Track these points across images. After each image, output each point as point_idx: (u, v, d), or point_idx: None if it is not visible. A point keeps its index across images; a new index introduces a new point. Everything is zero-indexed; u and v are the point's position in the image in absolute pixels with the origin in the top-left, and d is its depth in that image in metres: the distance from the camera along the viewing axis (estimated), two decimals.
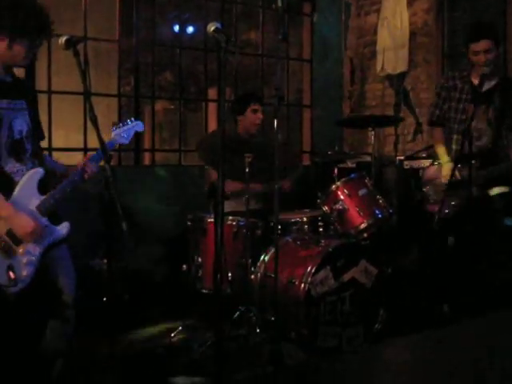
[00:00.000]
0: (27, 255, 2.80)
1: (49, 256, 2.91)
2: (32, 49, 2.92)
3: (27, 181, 2.86)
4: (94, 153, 3.02)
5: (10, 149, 2.85)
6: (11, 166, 2.85)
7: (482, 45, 4.10)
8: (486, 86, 4.15)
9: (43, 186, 2.91)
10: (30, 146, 2.94)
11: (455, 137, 4.33)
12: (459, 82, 4.34)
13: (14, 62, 2.92)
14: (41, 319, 3.00)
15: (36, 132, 3.04)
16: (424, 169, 4.57)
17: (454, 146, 4.33)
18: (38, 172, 2.91)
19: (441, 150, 4.39)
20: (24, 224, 2.78)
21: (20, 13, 2.81)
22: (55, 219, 2.94)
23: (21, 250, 2.80)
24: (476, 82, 4.16)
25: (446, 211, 4.08)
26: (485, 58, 4.10)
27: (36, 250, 2.84)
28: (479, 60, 4.12)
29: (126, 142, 3.22)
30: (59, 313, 3.00)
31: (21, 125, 2.90)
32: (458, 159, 3.93)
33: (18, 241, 2.80)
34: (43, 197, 2.88)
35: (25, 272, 2.78)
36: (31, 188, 2.86)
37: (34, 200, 2.86)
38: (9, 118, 2.85)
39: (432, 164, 4.48)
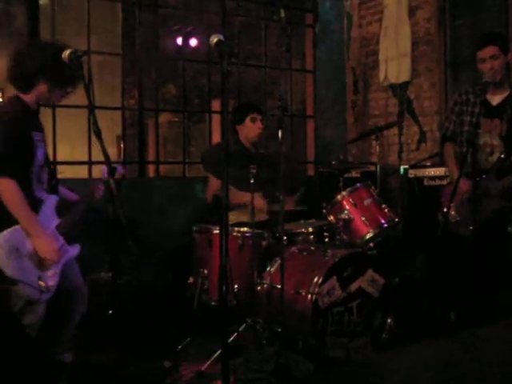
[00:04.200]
0: (53, 268, 3.14)
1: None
2: (64, 95, 3.21)
3: (48, 204, 3.19)
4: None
5: (37, 176, 3.12)
6: (38, 192, 3.13)
7: (488, 51, 4.06)
8: (497, 100, 4.14)
9: (58, 210, 3.26)
10: (46, 174, 3.22)
11: (470, 150, 4.24)
12: (472, 96, 4.27)
13: (47, 103, 3.27)
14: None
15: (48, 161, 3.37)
16: (443, 188, 4.53)
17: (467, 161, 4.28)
18: (55, 198, 3.24)
19: (453, 167, 4.32)
20: (50, 246, 3.09)
21: (63, 66, 2.99)
22: (68, 239, 3.27)
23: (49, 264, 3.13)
24: (488, 96, 4.12)
25: (471, 228, 4.01)
26: (490, 65, 4.06)
27: (59, 264, 3.18)
28: (485, 67, 4.07)
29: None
30: (80, 299, 3.39)
31: (40, 155, 3.15)
32: (473, 174, 3.86)
33: None
34: (60, 219, 3.22)
35: (51, 283, 3.12)
36: (51, 210, 3.20)
37: (54, 221, 3.21)
38: (37, 149, 3.11)
39: (450, 183, 4.37)
